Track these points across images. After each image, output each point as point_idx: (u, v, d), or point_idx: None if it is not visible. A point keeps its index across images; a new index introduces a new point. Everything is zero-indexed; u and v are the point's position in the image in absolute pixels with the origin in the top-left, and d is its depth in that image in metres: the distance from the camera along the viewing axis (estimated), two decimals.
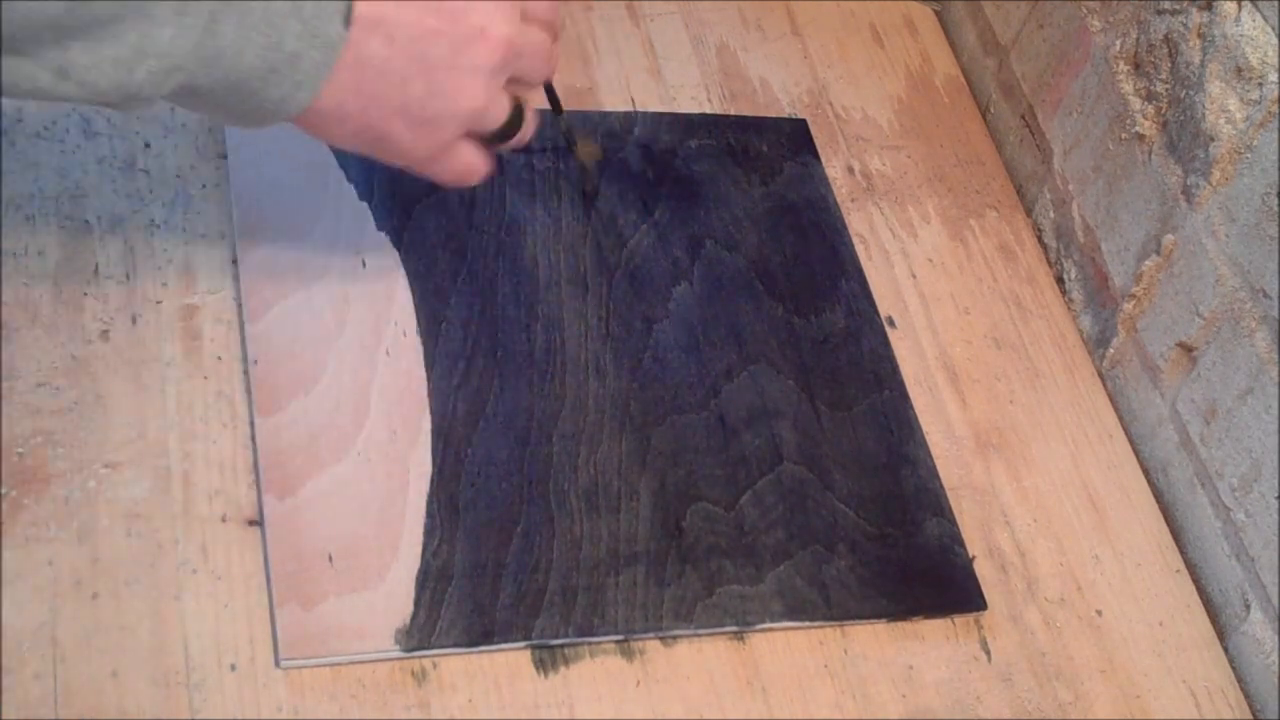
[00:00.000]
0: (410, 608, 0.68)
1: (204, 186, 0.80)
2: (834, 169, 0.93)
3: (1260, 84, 0.77)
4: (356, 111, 0.65)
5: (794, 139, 0.93)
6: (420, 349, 0.77)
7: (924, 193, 0.95)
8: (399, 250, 0.80)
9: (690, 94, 0.95)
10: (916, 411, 0.82)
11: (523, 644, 0.69)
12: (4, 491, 0.68)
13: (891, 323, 0.87)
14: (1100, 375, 0.89)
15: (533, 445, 0.75)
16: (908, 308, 0.88)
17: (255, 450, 0.71)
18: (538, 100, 0.74)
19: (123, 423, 0.71)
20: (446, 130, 0.68)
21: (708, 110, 0.94)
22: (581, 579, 0.71)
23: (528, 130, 0.72)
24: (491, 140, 0.71)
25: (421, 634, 0.68)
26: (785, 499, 0.76)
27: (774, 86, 0.97)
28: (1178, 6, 0.83)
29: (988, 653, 0.75)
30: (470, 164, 0.71)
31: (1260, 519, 0.78)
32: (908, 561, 0.76)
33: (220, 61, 0.59)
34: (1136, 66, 0.87)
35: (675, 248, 0.85)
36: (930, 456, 0.81)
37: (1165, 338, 0.85)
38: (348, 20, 0.62)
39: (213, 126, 0.83)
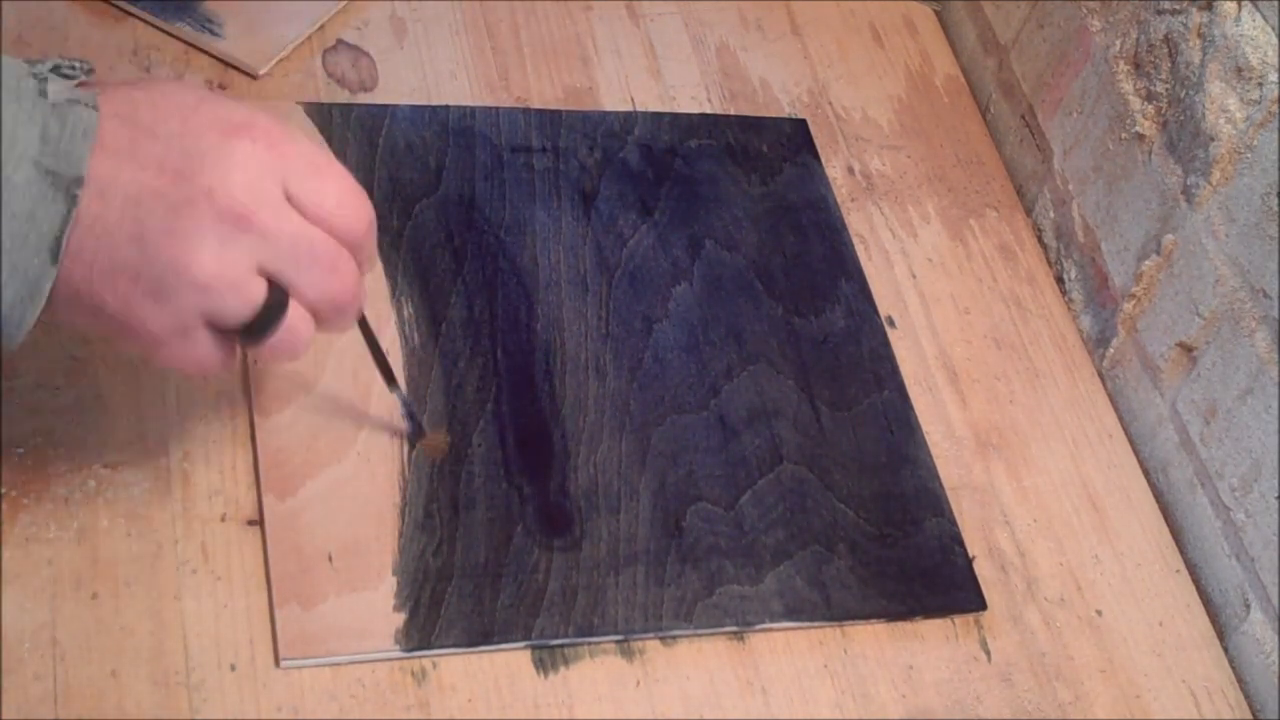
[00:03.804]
0: (410, 607, 0.68)
1: None
2: (834, 169, 0.93)
3: (1260, 84, 0.77)
4: (81, 282, 0.56)
5: (794, 139, 0.93)
6: (421, 349, 0.77)
7: (924, 193, 0.95)
8: (399, 250, 0.80)
9: (690, 94, 0.95)
10: (916, 411, 0.82)
11: (523, 644, 0.69)
12: (4, 491, 0.68)
13: (891, 323, 0.87)
14: (1100, 375, 0.89)
15: (533, 445, 0.75)
16: (908, 308, 0.88)
17: (255, 450, 0.71)
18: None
19: (123, 423, 0.71)
20: (179, 309, 0.57)
21: (708, 110, 0.94)
22: (581, 579, 0.71)
23: (298, 334, 0.60)
24: (245, 335, 0.59)
25: (421, 634, 0.68)
26: (785, 499, 0.76)
27: (774, 86, 0.97)
28: (1178, 6, 0.83)
29: (988, 653, 0.75)
30: (200, 358, 0.59)
31: (1260, 519, 0.78)
32: (908, 561, 0.76)
33: None
34: (1136, 66, 0.87)
35: (675, 248, 0.85)
36: (930, 456, 0.81)
37: (1165, 338, 0.85)
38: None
39: None
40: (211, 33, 0.87)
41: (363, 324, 0.68)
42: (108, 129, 0.56)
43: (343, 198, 0.59)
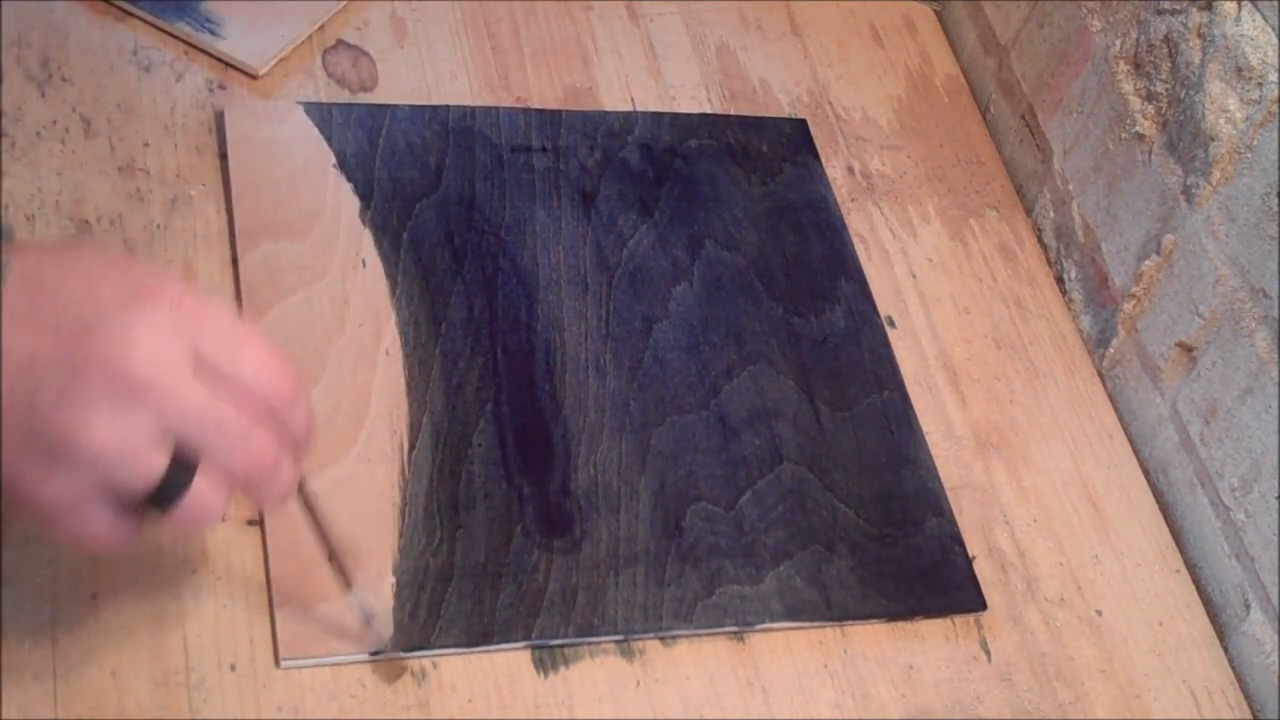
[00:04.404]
0: (410, 608, 0.68)
1: (204, 186, 0.80)
2: (834, 169, 0.93)
3: (1260, 84, 0.77)
4: None
5: (794, 139, 0.93)
6: (421, 349, 0.77)
7: (924, 193, 0.95)
8: (399, 250, 0.80)
9: (690, 94, 0.95)
10: (916, 411, 0.82)
11: (523, 644, 0.69)
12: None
13: (891, 323, 0.87)
14: (1100, 375, 0.89)
15: (533, 445, 0.75)
16: (908, 308, 0.88)
17: None
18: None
19: None
20: (70, 480, 0.54)
21: (708, 110, 0.94)
22: (581, 579, 0.71)
23: (207, 504, 0.56)
24: (149, 504, 0.55)
25: (421, 634, 0.68)
26: (785, 499, 0.76)
27: (774, 86, 0.97)
28: (1178, 6, 0.83)
29: (988, 653, 0.75)
30: (96, 532, 0.55)
31: (1260, 519, 0.78)
32: (908, 561, 0.76)
33: None
34: (1136, 66, 0.87)
35: (675, 248, 0.85)
36: (930, 456, 0.81)
37: (1165, 338, 0.85)
38: None
39: (213, 126, 0.83)
40: (212, 33, 0.87)
41: (302, 495, 0.63)
42: (8, 291, 0.53)
43: (259, 366, 0.56)
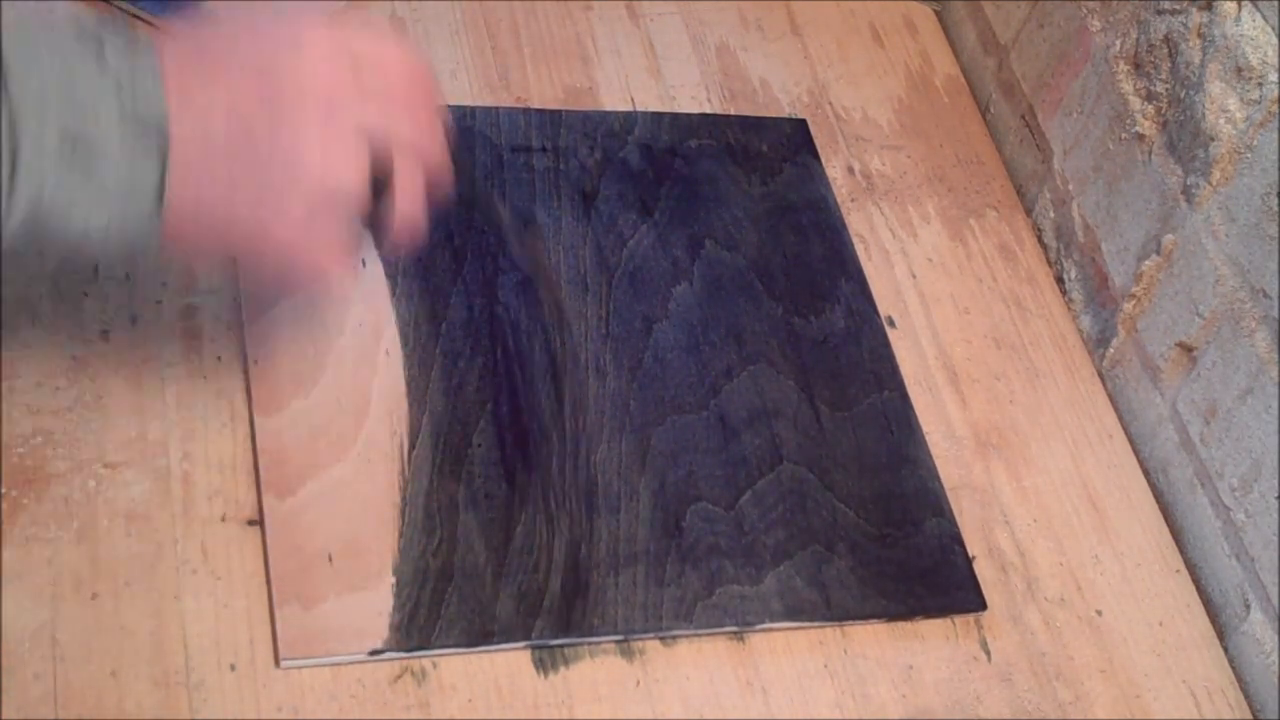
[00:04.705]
0: (410, 608, 0.68)
1: None
2: (834, 169, 0.93)
3: (1260, 84, 0.77)
4: (200, 209, 0.59)
5: (794, 139, 0.93)
6: (421, 349, 0.77)
7: (924, 193, 0.95)
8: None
9: (690, 94, 0.95)
10: (916, 411, 0.82)
11: (523, 644, 0.69)
12: (4, 491, 0.68)
13: (891, 323, 0.87)
14: (1100, 375, 0.89)
15: (533, 445, 0.75)
16: (908, 308, 0.88)
17: (255, 450, 0.71)
18: None
19: (123, 423, 0.71)
20: (301, 198, 0.60)
21: (708, 110, 0.94)
22: (581, 579, 0.71)
23: (413, 207, 0.63)
24: (372, 213, 0.63)
25: (421, 634, 0.68)
26: (785, 499, 0.76)
27: (774, 86, 0.97)
28: (1178, 6, 0.83)
29: (988, 653, 0.75)
30: (332, 243, 0.62)
31: (1260, 519, 0.78)
32: (908, 561, 0.76)
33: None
34: (1136, 66, 0.87)
35: (675, 248, 0.85)
36: (930, 456, 0.81)
37: (1165, 338, 0.85)
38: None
39: None
40: None
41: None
42: (177, 56, 0.58)
43: (407, 81, 0.63)
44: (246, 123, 0.59)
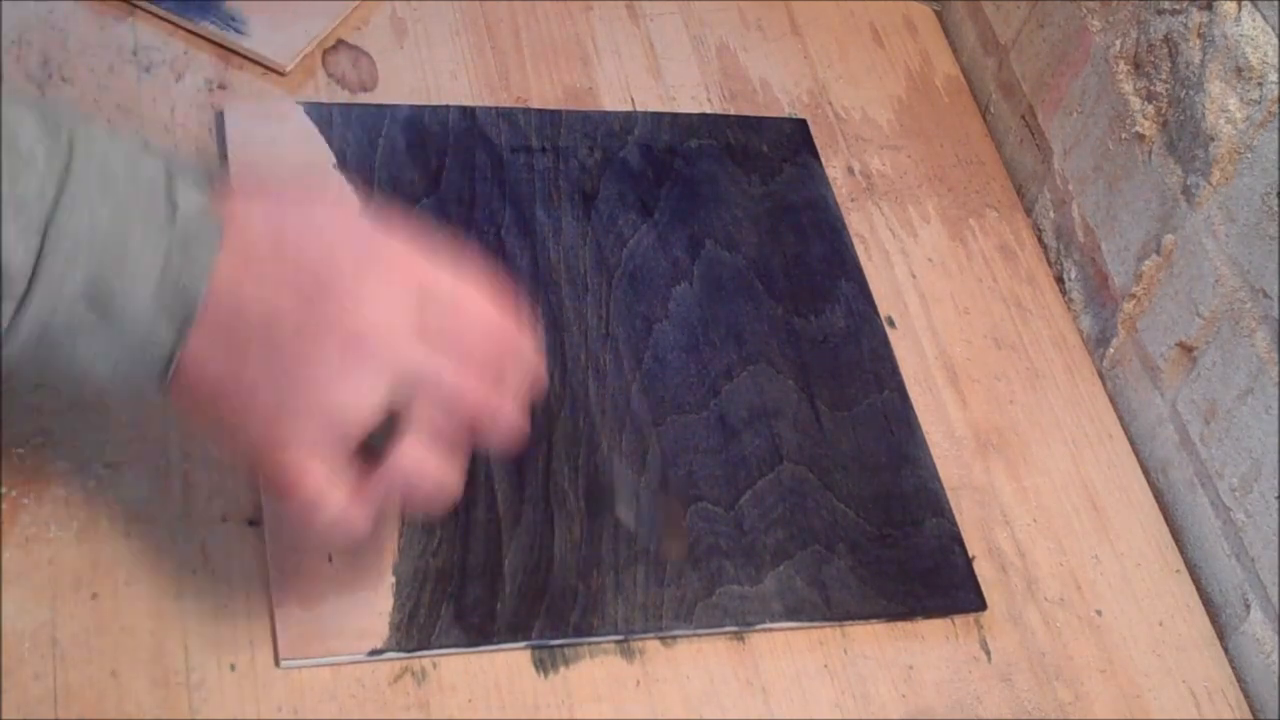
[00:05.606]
0: (410, 607, 0.68)
1: None
2: (834, 169, 0.93)
3: (1260, 84, 0.77)
4: (206, 384, 0.57)
5: (794, 139, 0.93)
6: None
7: (924, 193, 0.95)
8: None
9: (690, 94, 0.95)
10: (916, 411, 0.82)
11: (523, 644, 0.69)
12: (4, 491, 0.68)
13: (891, 323, 0.87)
14: (1100, 375, 0.89)
15: (533, 445, 0.75)
16: (908, 308, 0.88)
17: None
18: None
19: (123, 423, 0.71)
20: (303, 426, 0.57)
21: (708, 110, 0.94)
22: (581, 579, 0.71)
23: (422, 463, 0.59)
24: (363, 449, 0.59)
25: (421, 634, 0.68)
26: (785, 499, 0.76)
27: (774, 86, 0.97)
28: (1178, 6, 0.83)
29: (988, 653, 0.75)
30: (319, 488, 0.58)
31: (1260, 519, 0.78)
32: (908, 561, 0.76)
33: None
34: (1136, 66, 0.87)
35: (675, 248, 0.85)
36: (930, 456, 0.81)
37: (1165, 338, 0.85)
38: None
39: (213, 126, 0.83)
40: (236, 31, 0.87)
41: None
42: (243, 242, 0.56)
43: (479, 323, 0.60)
44: (276, 340, 0.56)
